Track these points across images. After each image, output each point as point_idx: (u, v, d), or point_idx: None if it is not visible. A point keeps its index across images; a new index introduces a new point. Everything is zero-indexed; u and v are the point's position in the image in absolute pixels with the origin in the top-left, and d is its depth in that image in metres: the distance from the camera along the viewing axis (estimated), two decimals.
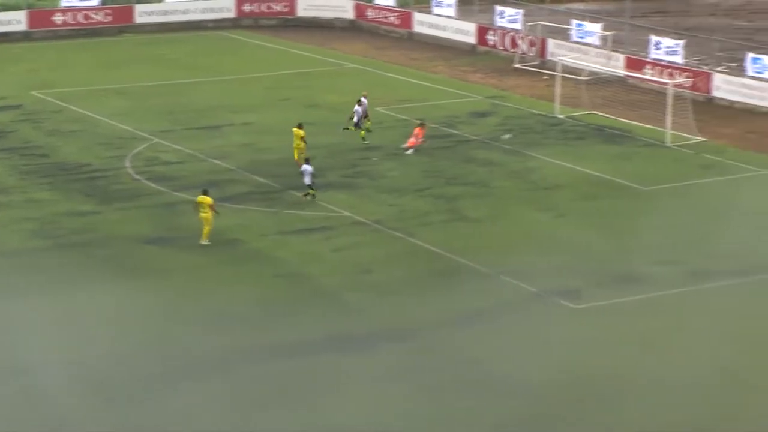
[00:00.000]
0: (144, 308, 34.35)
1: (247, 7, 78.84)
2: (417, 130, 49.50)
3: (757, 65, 56.34)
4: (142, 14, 76.98)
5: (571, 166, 47.46)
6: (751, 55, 57.04)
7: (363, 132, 50.15)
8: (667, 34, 61.89)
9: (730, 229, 40.55)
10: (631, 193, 44.37)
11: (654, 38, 60.91)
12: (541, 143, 50.70)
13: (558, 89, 55.73)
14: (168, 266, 37.40)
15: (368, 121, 50.60)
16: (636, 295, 35.00)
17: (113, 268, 37.24)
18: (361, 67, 66.62)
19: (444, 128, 52.90)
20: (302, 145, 46.24)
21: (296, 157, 46.08)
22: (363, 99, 50.68)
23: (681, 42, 59.98)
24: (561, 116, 54.71)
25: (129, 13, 76.84)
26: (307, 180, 42.79)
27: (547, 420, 28.12)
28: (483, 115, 55.79)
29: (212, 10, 78.35)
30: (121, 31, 76.16)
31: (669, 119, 50.81)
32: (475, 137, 51.56)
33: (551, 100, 56.16)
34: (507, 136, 50.27)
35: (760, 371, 30.43)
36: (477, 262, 37.33)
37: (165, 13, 77.53)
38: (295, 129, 46.67)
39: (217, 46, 72.71)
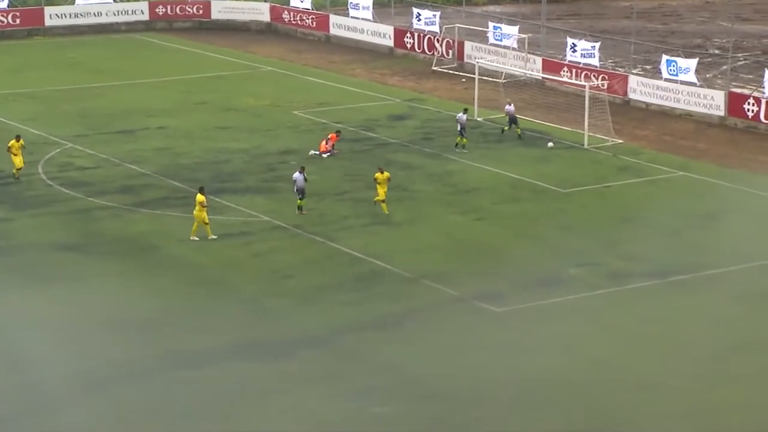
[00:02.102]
0: (60, 316, 33.57)
1: (160, 10, 77.89)
2: (332, 136, 49.32)
3: (672, 68, 56.89)
4: (52, 17, 75.70)
5: (491, 168, 47.48)
6: (665, 57, 57.61)
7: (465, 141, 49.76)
8: (582, 37, 62.28)
9: (648, 231, 40.82)
10: (551, 196, 44.47)
11: (570, 41, 61.27)
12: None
13: (476, 92, 55.78)
14: (85, 273, 36.67)
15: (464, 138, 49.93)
16: (556, 297, 35.02)
17: (28, 275, 36.41)
18: (278, 70, 66.19)
19: (363, 131, 52.70)
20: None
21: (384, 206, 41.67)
22: (461, 114, 49.99)
23: (597, 45, 60.39)
24: (480, 119, 54.76)
25: (39, 15, 75.52)
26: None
27: (467, 424, 27.93)
28: (401, 118, 55.67)
29: (125, 12, 77.28)
30: (30, 33, 74.84)
31: (587, 121, 51.08)
32: (394, 140, 51.39)
33: (470, 102, 56.19)
34: (551, 144, 50.23)
35: (676, 372, 30.47)
36: (397, 266, 37.10)
37: (76, 15, 76.30)
38: (378, 174, 41.74)
39: (130, 49, 71.77)
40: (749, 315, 34.20)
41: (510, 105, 52.23)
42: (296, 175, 41.62)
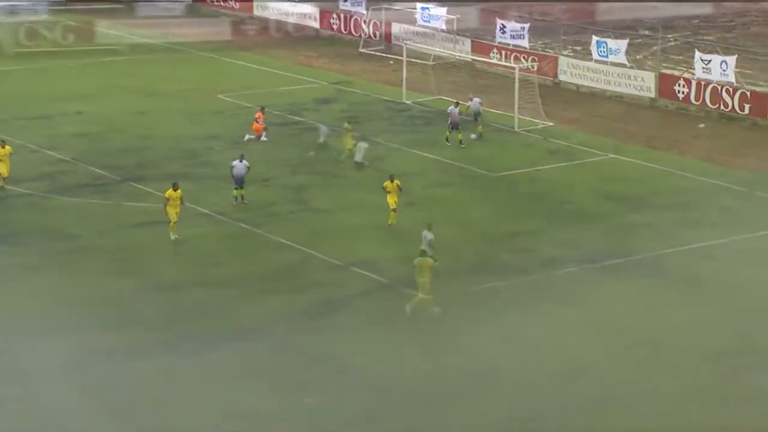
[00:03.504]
0: None
1: None
2: (258, 114, 48.34)
3: (602, 49, 56.58)
4: None
5: (420, 153, 46.90)
6: (595, 38, 57.28)
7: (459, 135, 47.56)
8: (512, 18, 61.85)
9: (579, 215, 40.46)
10: (481, 180, 43.95)
11: (500, 22, 60.72)
12: (389, 130, 50.13)
13: (404, 74, 55.09)
14: (5, 264, 35.52)
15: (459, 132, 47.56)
16: (488, 283, 34.48)
17: None
18: (201, 53, 65.13)
19: (289, 116, 51.95)
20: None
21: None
22: (453, 108, 47.88)
23: (526, 26, 59.90)
24: (408, 102, 54.19)
25: None
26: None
27: (398, 415, 27.33)
28: (328, 101, 54.95)
29: None
30: None
31: (516, 104, 50.58)
32: (321, 124, 50.52)
33: (398, 85, 55.62)
34: (473, 136, 48.50)
35: (608, 361, 30.01)
36: (326, 253, 36.37)
37: None
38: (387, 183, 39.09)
39: (45, 32, 70.17)
40: (681, 298, 33.89)
41: (472, 100, 49.81)
42: (235, 162, 40.31)
